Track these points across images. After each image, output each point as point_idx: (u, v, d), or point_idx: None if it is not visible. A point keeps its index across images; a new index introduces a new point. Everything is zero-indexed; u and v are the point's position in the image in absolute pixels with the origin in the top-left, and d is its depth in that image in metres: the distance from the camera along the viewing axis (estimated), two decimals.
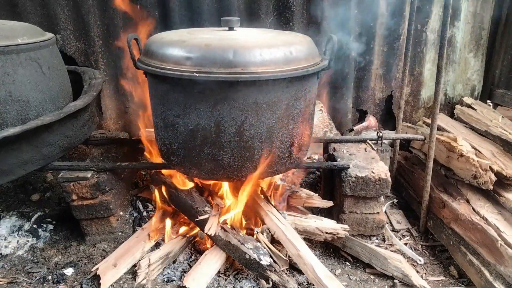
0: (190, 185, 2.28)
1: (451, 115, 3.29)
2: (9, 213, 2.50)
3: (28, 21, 2.79)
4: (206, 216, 2.06)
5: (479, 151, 2.29)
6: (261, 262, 1.86)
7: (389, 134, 2.65)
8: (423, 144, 2.59)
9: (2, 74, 1.82)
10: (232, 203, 2.18)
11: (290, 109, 1.80)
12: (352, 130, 3.22)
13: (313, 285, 1.86)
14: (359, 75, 3.24)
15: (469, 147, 2.23)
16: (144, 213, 2.43)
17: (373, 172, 2.13)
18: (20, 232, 2.35)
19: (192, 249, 2.20)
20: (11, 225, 2.38)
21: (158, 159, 2.41)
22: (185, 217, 2.27)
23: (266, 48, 1.66)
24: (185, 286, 1.85)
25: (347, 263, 2.13)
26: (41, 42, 2.01)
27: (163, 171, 2.42)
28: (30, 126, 1.79)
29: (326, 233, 2.08)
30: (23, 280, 2.03)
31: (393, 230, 2.41)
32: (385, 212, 2.55)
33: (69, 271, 2.07)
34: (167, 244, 2.14)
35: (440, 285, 2.00)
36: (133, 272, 2.04)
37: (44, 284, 2.00)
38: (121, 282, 1.99)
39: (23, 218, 2.46)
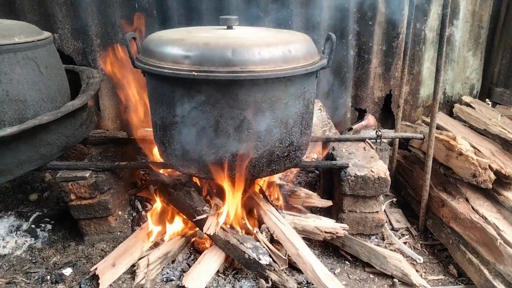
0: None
1: (450, 113, 3.29)
2: (7, 213, 2.49)
3: (26, 20, 2.78)
4: (205, 215, 2.06)
5: (478, 150, 2.29)
6: (260, 261, 1.86)
7: (388, 133, 2.65)
8: (422, 143, 2.59)
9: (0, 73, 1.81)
10: (231, 202, 2.18)
11: (289, 108, 1.80)
12: (351, 129, 3.22)
13: (313, 284, 1.86)
14: (358, 74, 3.24)
15: (468, 145, 2.23)
16: (143, 213, 2.43)
17: (372, 171, 2.13)
18: (18, 232, 2.34)
19: (191, 248, 2.20)
20: (9, 225, 2.37)
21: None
22: (184, 217, 2.27)
23: (265, 47, 1.66)
24: (184, 285, 1.85)
25: (347, 262, 2.13)
26: (39, 41, 2.00)
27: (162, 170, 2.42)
28: (27, 126, 1.78)
29: (325, 232, 2.08)
30: (22, 280, 2.02)
31: (393, 229, 2.41)
32: (384, 211, 2.54)
33: (67, 271, 2.07)
34: (166, 243, 2.13)
35: (440, 284, 2.00)
36: (132, 272, 2.03)
37: (43, 284, 1.99)
38: (120, 282, 1.99)
39: (21, 218, 2.45)
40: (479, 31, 3.24)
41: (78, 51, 2.99)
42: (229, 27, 1.90)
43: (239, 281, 1.96)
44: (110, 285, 1.95)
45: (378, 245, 2.20)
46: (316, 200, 2.36)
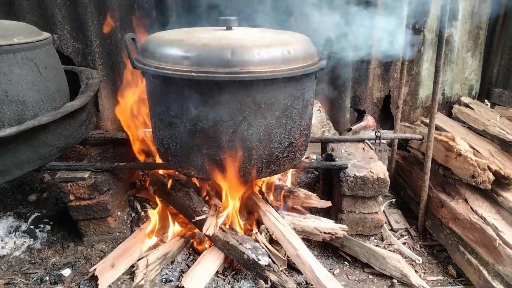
0: None
1: (449, 114, 3.30)
2: (6, 214, 2.49)
3: (25, 20, 2.78)
4: (204, 216, 2.06)
5: (477, 151, 2.30)
6: (259, 262, 1.86)
7: (387, 133, 2.65)
8: (421, 143, 2.59)
9: None
10: (230, 203, 2.18)
11: (288, 109, 1.80)
12: (350, 129, 3.22)
13: (312, 285, 1.86)
14: (357, 74, 3.24)
15: (467, 146, 2.23)
16: (142, 214, 2.42)
17: (371, 172, 2.13)
18: (17, 233, 2.33)
19: (190, 249, 2.20)
20: (8, 226, 2.37)
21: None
22: (183, 217, 2.26)
23: (264, 48, 1.66)
24: (183, 286, 1.85)
25: (346, 262, 2.13)
26: (38, 42, 2.00)
27: (161, 171, 2.41)
28: (27, 126, 1.78)
29: (325, 233, 2.08)
30: (20, 281, 2.02)
31: (392, 229, 2.41)
32: (384, 211, 2.55)
33: (66, 272, 2.06)
34: (165, 244, 2.13)
35: (439, 284, 2.00)
36: (131, 272, 2.03)
37: (42, 285, 1.99)
38: (119, 282, 1.98)
39: (20, 218, 2.45)
40: (478, 32, 3.25)
41: (77, 52, 2.99)
42: (229, 28, 1.90)
43: (238, 281, 1.95)
44: (109, 286, 1.95)
45: (377, 245, 2.20)
46: (315, 201, 2.36)
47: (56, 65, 2.18)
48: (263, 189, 2.37)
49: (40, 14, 2.87)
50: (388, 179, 2.13)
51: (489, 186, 2.04)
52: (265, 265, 1.86)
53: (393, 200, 2.71)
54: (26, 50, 1.92)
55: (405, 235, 2.37)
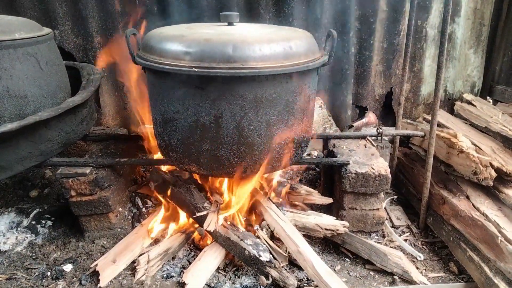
0: None
1: (451, 111, 3.28)
2: (8, 210, 2.49)
3: (26, 16, 2.77)
4: (205, 212, 2.06)
5: (479, 148, 2.29)
6: (260, 258, 1.86)
7: (389, 130, 2.64)
8: (423, 140, 2.58)
9: (0, 69, 1.81)
10: (231, 199, 2.18)
11: (289, 105, 1.79)
12: (351, 126, 3.22)
13: (313, 281, 1.86)
14: (358, 71, 3.23)
15: (469, 143, 2.22)
16: (143, 210, 2.43)
17: (373, 168, 2.13)
18: (18, 229, 2.34)
19: (192, 245, 2.20)
20: (10, 221, 2.38)
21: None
22: (185, 213, 2.27)
23: (265, 43, 1.65)
24: (184, 282, 1.85)
25: (347, 259, 2.13)
26: (39, 37, 2.00)
27: (162, 167, 2.41)
28: (28, 122, 1.78)
29: (326, 229, 2.08)
30: (22, 276, 2.03)
31: (393, 226, 2.41)
32: (385, 208, 2.54)
33: (68, 267, 2.07)
34: (166, 240, 2.13)
35: (440, 281, 1.99)
36: (132, 268, 2.03)
37: (43, 280, 1.99)
38: (120, 278, 1.99)
39: (21, 214, 2.45)
40: (480, 28, 3.23)
41: (79, 48, 2.99)
42: (230, 24, 1.90)
43: (239, 277, 1.96)
44: (111, 281, 1.96)
45: (378, 242, 2.20)
46: (316, 197, 2.36)
47: (57, 61, 2.17)
48: (264, 186, 2.37)
49: (41, 9, 2.86)
50: (389, 175, 2.13)
51: (491, 183, 2.04)
52: (266, 261, 1.86)
53: (395, 197, 2.70)
54: (27, 46, 1.92)
55: (407, 232, 2.37)
